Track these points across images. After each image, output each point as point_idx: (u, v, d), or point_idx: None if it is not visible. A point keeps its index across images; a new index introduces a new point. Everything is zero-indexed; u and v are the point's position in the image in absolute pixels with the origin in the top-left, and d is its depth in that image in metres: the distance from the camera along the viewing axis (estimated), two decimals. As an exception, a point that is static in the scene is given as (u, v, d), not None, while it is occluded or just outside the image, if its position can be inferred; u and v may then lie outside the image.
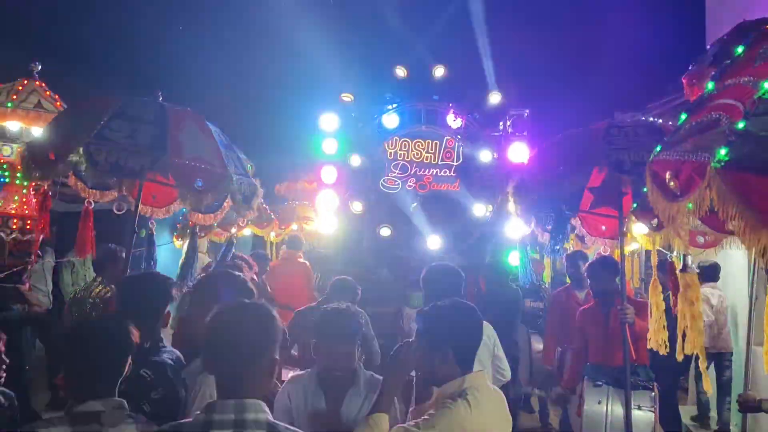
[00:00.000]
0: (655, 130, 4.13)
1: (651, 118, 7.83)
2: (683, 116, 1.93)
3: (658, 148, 1.89)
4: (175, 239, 7.78)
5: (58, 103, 6.09)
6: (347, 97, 9.08)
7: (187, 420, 2.03)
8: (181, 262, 7.93)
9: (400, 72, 9.07)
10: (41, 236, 4.90)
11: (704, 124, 1.78)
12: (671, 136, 2.03)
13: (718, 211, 1.66)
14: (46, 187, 4.48)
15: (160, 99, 4.55)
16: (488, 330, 4.54)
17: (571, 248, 7.52)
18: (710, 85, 1.92)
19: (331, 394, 3.00)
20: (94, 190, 4.63)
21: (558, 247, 5.91)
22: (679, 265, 3.37)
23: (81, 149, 3.80)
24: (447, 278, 4.15)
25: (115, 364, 2.36)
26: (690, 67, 3.90)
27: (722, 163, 1.60)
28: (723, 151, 1.62)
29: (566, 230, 6.12)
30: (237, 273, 3.75)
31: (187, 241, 7.89)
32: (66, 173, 4.06)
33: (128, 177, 3.95)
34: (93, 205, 4.63)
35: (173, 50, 10.72)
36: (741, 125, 1.65)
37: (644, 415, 4.42)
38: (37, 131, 5.78)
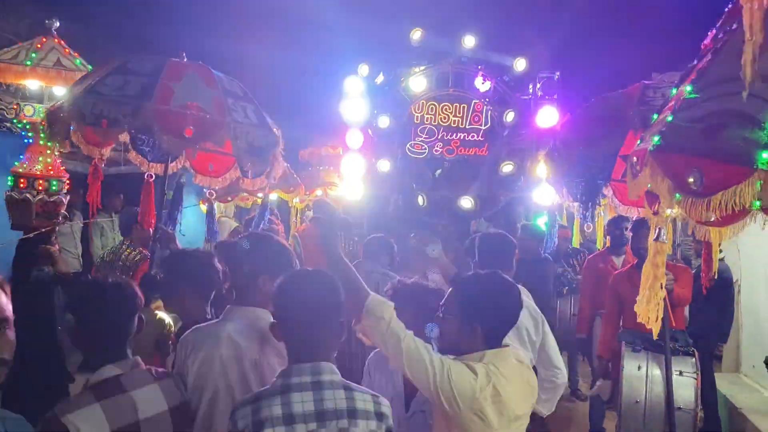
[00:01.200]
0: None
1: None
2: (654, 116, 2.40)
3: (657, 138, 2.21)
4: (201, 203, 7.75)
5: (79, 61, 6.00)
6: (364, 69, 8.91)
7: (265, 388, 2.07)
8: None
9: (415, 36, 8.81)
10: (68, 198, 4.88)
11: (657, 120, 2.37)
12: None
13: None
14: (96, 160, 4.46)
15: (185, 59, 4.42)
16: (525, 294, 4.40)
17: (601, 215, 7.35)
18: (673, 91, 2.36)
19: None
20: (154, 163, 4.68)
21: (588, 214, 5.84)
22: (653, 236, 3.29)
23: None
24: (503, 248, 4.03)
25: (121, 323, 2.28)
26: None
27: (654, 147, 2.11)
28: (656, 138, 2.12)
29: (597, 198, 6.04)
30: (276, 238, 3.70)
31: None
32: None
33: (113, 127, 3.83)
34: (154, 177, 4.63)
35: (195, 14, 10.56)
36: (669, 119, 2.14)
37: (686, 380, 4.29)
38: (59, 90, 5.72)
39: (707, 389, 6.21)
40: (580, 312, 6.26)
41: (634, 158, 2.24)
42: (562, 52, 9.97)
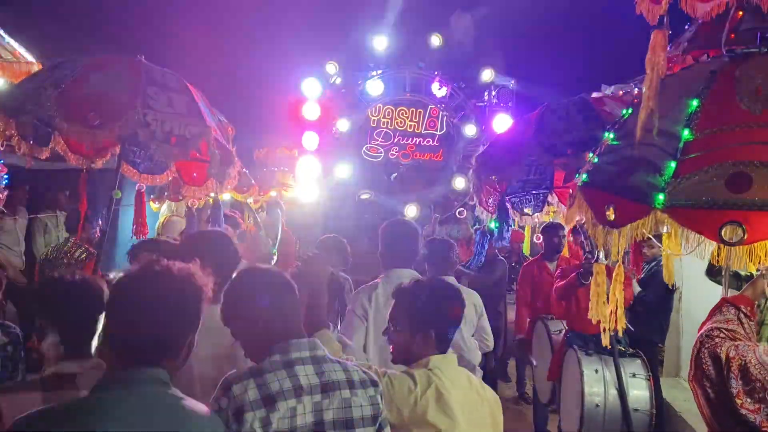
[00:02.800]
0: (588, 108, 4.22)
1: (619, 93, 7.80)
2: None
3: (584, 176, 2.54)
4: (151, 202, 7.60)
5: (17, 52, 5.78)
6: (332, 67, 8.91)
7: (259, 365, 2.05)
8: (159, 223, 7.80)
9: (379, 44, 8.88)
10: (5, 193, 4.76)
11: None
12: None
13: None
14: (85, 170, 4.37)
15: (142, 59, 4.39)
16: (476, 299, 4.52)
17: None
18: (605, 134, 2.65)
19: None
20: (145, 175, 4.60)
21: (505, 234, 6.21)
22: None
23: (138, 118, 3.72)
24: (448, 253, 4.20)
25: (85, 322, 2.25)
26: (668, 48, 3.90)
27: (582, 183, 2.45)
28: (583, 176, 2.47)
29: (508, 217, 6.39)
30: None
31: (164, 204, 7.76)
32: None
33: (184, 147, 3.86)
34: (144, 188, 4.55)
35: (151, 10, 10.37)
36: (595, 160, 2.49)
37: (640, 382, 4.41)
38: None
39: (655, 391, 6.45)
40: (518, 317, 6.37)
41: (570, 190, 2.60)
42: (518, 61, 10.17)
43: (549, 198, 4.91)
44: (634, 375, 4.42)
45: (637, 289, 6.01)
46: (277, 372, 1.95)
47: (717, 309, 2.21)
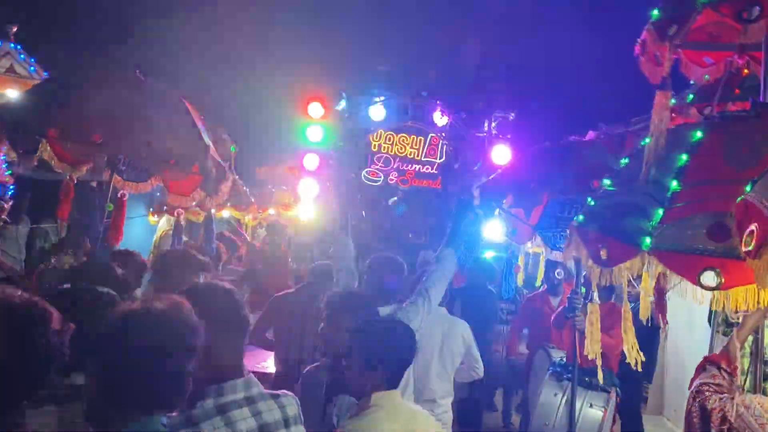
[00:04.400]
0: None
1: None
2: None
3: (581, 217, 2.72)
4: (150, 215, 7.69)
5: (33, 69, 5.95)
6: (342, 103, 9.10)
7: (191, 410, 1.88)
8: (156, 237, 7.88)
9: (381, 71, 9.10)
10: (10, 203, 4.84)
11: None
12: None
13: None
14: (68, 179, 4.41)
15: (139, 74, 4.50)
16: (464, 330, 4.64)
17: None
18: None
19: None
20: (130, 182, 4.67)
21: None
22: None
23: (142, 137, 3.83)
24: None
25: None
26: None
27: (577, 224, 2.62)
28: (580, 217, 2.64)
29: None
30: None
31: (163, 218, 7.84)
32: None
33: (180, 165, 3.96)
34: (127, 196, 4.62)
35: (155, 26, 10.53)
36: (592, 203, 2.66)
37: (594, 412, 4.62)
38: (12, 93, 5.65)
39: (633, 426, 6.52)
40: (511, 338, 6.53)
41: (568, 231, 2.74)
42: (518, 94, 10.37)
43: None
44: (591, 405, 4.61)
45: None
46: (213, 419, 1.83)
47: (701, 367, 2.34)
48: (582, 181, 4.31)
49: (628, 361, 2.78)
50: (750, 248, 1.51)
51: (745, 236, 1.51)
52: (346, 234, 3.94)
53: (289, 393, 2.15)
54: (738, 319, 2.56)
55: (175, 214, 5.31)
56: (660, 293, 2.40)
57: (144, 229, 8.02)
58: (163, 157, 3.93)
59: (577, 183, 4.38)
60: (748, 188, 1.66)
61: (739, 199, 1.70)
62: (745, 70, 3.16)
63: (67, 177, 4.42)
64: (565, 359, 5.24)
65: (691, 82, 4.21)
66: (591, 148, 4.55)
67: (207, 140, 4.29)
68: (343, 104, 9.21)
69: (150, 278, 3.19)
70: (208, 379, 1.87)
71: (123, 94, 3.99)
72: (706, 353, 5.25)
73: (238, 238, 6.42)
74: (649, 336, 6.71)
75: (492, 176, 5.20)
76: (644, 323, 5.57)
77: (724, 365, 2.28)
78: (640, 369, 2.74)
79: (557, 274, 6.29)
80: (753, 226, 1.49)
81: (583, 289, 4.79)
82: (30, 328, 1.55)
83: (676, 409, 7.32)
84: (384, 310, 3.28)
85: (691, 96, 4.27)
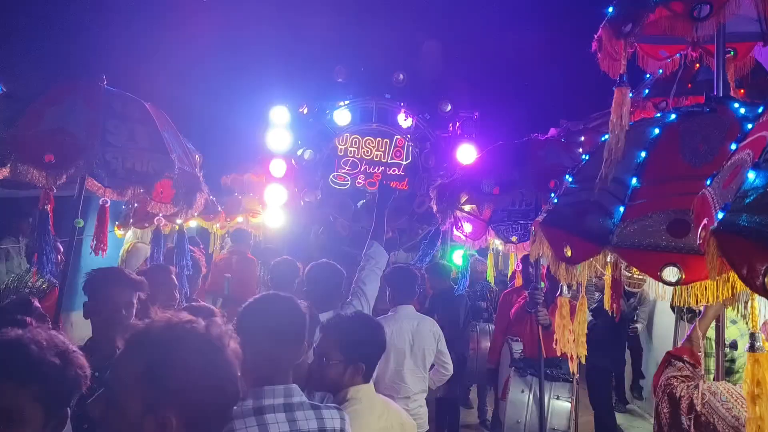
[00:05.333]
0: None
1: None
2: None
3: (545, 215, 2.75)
4: (116, 229, 7.53)
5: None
6: (304, 109, 9.03)
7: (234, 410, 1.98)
8: (123, 251, 7.71)
9: (339, 76, 9.08)
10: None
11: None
12: None
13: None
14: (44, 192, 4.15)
15: (105, 84, 4.33)
16: (433, 326, 4.69)
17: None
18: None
19: None
20: (110, 189, 4.41)
21: (427, 258, 6.86)
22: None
23: (97, 157, 3.63)
24: (408, 280, 4.63)
25: None
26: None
27: (541, 222, 2.65)
28: (544, 215, 2.68)
29: (436, 243, 6.95)
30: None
31: (129, 231, 7.67)
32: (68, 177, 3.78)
33: (143, 183, 3.77)
34: (109, 203, 4.38)
35: (115, 34, 10.35)
36: (555, 201, 2.70)
37: (562, 404, 4.75)
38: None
39: (604, 418, 6.66)
40: (493, 343, 6.48)
41: (533, 228, 2.72)
42: (482, 93, 10.47)
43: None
44: (558, 397, 4.77)
45: (588, 317, 6.26)
46: (246, 419, 1.91)
47: (666, 362, 2.39)
48: (536, 180, 4.40)
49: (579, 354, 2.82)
50: (701, 241, 1.55)
51: (699, 230, 1.55)
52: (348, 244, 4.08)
53: (338, 407, 2.20)
54: (700, 306, 2.63)
55: (155, 222, 5.15)
56: (616, 284, 2.43)
57: (113, 243, 7.83)
58: (122, 176, 3.76)
59: (530, 181, 4.47)
60: (708, 182, 1.70)
61: (699, 193, 1.74)
62: (697, 64, 3.25)
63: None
64: (522, 352, 5.30)
65: (647, 76, 4.31)
66: (545, 148, 4.65)
67: (176, 150, 4.13)
68: (305, 109, 9.16)
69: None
70: (257, 382, 2.00)
71: (78, 108, 3.81)
72: (672, 340, 5.40)
73: (199, 252, 6.24)
74: (617, 330, 6.86)
75: (448, 179, 5.27)
76: (612, 316, 5.72)
77: (686, 358, 2.34)
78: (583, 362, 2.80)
79: (516, 267, 6.38)
80: (705, 220, 1.52)
81: (543, 284, 4.88)
82: None
83: (646, 397, 7.49)
84: (323, 316, 3.30)
85: (646, 91, 4.38)
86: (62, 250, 4.82)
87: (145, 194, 3.97)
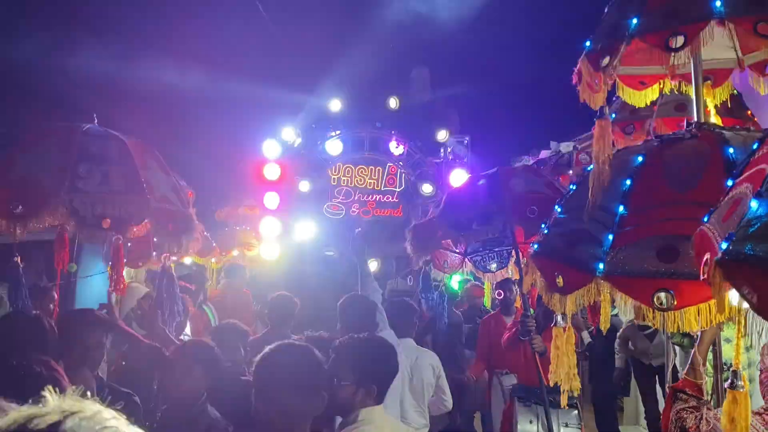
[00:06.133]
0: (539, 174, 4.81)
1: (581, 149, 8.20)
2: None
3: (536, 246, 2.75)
4: (110, 269, 7.48)
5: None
6: (289, 133, 9.10)
7: None
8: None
9: (335, 106, 9.18)
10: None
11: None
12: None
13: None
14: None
15: (95, 122, 4.28)
16: (434, 360, 4.65)
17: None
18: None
19: None
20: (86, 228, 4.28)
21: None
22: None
23: (64, 206, 3.47)
24: (407, 313, 4.58)
25: None
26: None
27: (533, 252, 2.64)
28: (536, 246, 2.65)
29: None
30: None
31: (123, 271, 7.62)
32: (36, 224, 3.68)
33: (116, 228, 3.67)
34: (122, 239, 4.28)
35: (104, 67, 10.37)
36: (545, 231, 2.64)
37: (572, 431, 4.63)
38: None
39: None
40: (475, 366, 6.47)
41: (524, 259, 2.74)
42: (471, 118, 10.56)
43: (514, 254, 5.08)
44: (566, 425, 4.66)
45: (587, 339, 6.23)
46: None
47: (672, 397, 2.38)
48: (514, 208, 4.39)
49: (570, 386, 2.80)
50: (705, 276, 1.56)
51: (702, 266, 1.55)
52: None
53: None
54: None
55: (162, 259, 4.96)
56: (594, 307, 2.43)
57: (106, 284, 7.76)
58: (92, 223, 3.63)
59: (507, 211, 4.45)
60: (705, 218, 1.70)
61: (698, 230, 1.74)
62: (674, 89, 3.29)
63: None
64: (518, 384, 5.24)
65: (614, 98, 4.33)
66: (518, 176, 4.65)
67: (160, 188, 4.02)
68: (298, 141, 9.23)
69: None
70: None
71: (50, 154, 3.62)
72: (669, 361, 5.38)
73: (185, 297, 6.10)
74: (612, 347, 6.82)
75: (423, 219, 5.30)
76: (606, 334, 5.70)
77: (689, 391, 2.33)
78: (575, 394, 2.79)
79: (497, 294, 6.35)
80: (707, 255, 1.53)
81: (532, 311, 4.85)
82: None
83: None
84: None
85: (613, 115, 4.40)
86: (56, 297, 4.76)
87: (122, 239, 3.89)
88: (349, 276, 8.70)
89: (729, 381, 1.77)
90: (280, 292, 5.33)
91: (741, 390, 1.74)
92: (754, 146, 1.78)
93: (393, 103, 9.43)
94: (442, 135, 9.31)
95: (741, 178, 1.62)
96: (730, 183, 1.70)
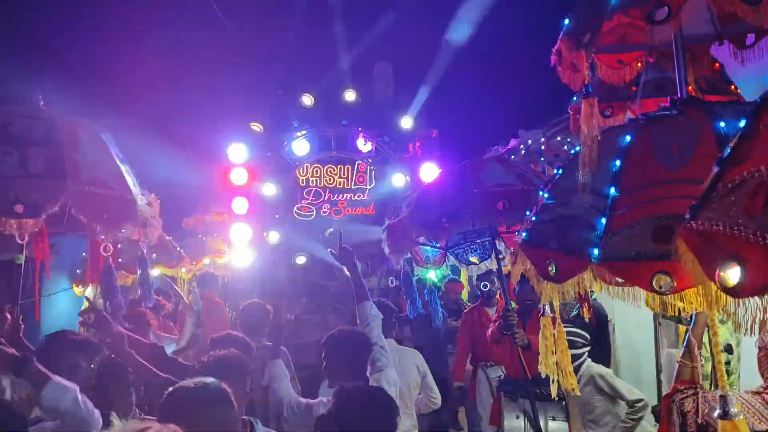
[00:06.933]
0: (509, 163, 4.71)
1: (551, 136, 8.22)
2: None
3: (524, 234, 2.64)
4: (75, 286, 7.19)
5: None
6: (257, 127, 8.90)
7: None
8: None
9: (307, 100, 9.01)
10: None
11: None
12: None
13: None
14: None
15: (41, 104, 3.97)
16: (418, 359, 4.54)
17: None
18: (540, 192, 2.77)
19: None
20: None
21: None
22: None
23: None
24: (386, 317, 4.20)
25: None
26: (575, 99, 4.12)
27: (522, 241, 2.55)
28: (524, 234, 2.56)
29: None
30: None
31: (88, 288, 7.34)
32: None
33: (30, 216, 3.36)
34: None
35: (64, 63, 9.97)
36: (533, 218, 2.55)
37: (558, 424, 4.52)
38: None
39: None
40: (456, 362, 6.36)
41: (512, 248, 2.70)
42: (438, 111, 10.50)
43: (497, 245, 4.99)
44: (554, 418, 4.55)
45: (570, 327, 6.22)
46: None
47: (674, 391, 2.34)
48: (482, 204, 4.30)
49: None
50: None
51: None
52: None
53: None
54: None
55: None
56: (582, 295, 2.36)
57: (73, 302, 7.48)
58: (4, 208, 3.33)
59: (477, 207, 4.37)
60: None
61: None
62: (639, 63, 3.24)
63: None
64: (503, 375, 5.18)
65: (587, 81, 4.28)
66: (486, 169, 4.57)
67: (94, 171, 3.70)
68: (263, 143, 9.05)
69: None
70: None
71: None
72: (653, 342, 5.35)
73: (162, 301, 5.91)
74: (596, 333, 6.81)
75: (395, 219, 5.14)
76: (589, 322, 5.68)
77: (684, 388, 2.30)
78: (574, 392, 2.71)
79: (482, 286, 6.29)
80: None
81: (514, 304, 4.78)
82: None
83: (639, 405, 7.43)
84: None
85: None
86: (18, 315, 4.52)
87: (34, 224, 3.58)
88: (321, 278, 8.60)
89: (721, 411, 1.73)
90: (251, 300, 5.11)
91: (739, 417, 1.70)
92: (741, 123, 1.71)
93: (350, 95, 9.29)
94: (406, 122, 9.23)
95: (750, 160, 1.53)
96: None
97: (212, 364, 2.82)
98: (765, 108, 1.45)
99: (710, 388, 2.39)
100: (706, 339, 2.54)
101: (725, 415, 1.77)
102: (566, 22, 2.37)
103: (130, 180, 3.74)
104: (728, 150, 1.60)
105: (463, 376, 6.23)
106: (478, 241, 5.05)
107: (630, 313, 7.23)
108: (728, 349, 3.61)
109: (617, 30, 2.46)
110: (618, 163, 2.15)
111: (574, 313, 6.36)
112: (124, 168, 3.73)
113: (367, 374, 3.30)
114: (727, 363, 3.73)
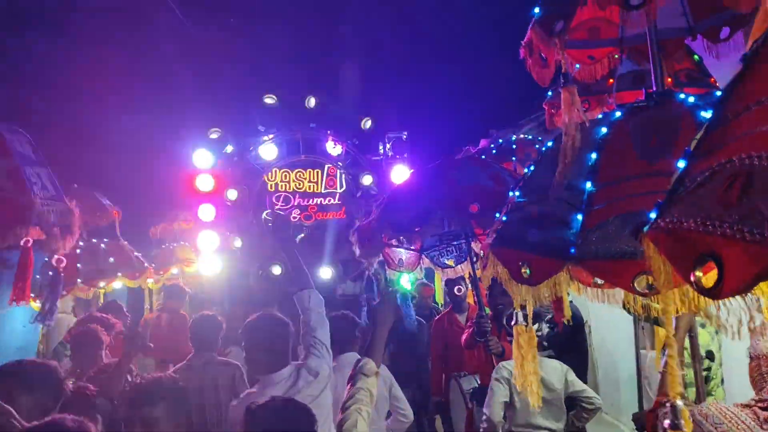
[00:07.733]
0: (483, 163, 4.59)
1: (522, 135, 8.18)
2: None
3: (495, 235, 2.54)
4: (32, 302, 6.86)
5: None
6: (215, 134, 8.66)
7: None
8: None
9: (270, 100, 8.80)
10: None
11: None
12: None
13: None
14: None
15: None
16: (382, 370, 4.34)
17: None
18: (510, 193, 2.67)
19: None
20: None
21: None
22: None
23: None
24: (349, 328, 4.08)
25: None
26: (550, 94, 4.03)
27: (492, 243, 2.42)
28: (494, 235, 2.44)
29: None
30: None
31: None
32: None
33: None
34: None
35: (18, 68, 9.62)
36: (504, 218, 2.45)
37: None
38: None
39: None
40: (433, 375, 6.12)
41: (482, 252, 2.61)
42: (408, 113, 10.40)
43: (474, 247, 4.84)
44: None
45: (546, 329, 6.10)
46: None
47: (658, 405, 2.23)
48: (454, 205, 4.16)
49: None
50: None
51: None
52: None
53: None
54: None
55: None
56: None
57: (29, 317, 7.13)
58: None
59: (449, 208, 4.24)
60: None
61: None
62: (615, 55, 3.17)
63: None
64: (478, 386, 5.04)
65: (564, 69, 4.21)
66: (459, 168, 4.44)
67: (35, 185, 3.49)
68: (230, 147, 8.81)
69: None
70: None
71: None
72: (632, 343, 5.29)
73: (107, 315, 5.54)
74: (571, 335, 6.73)
75: (364, 221, 4.97)
76: (571, 324, 5.58)
77: (665, 400, 2.19)
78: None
79: (457, 290, 6.12)
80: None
81: (487, 310, 4.64)
82: None
83: (612, 402, 7.38)
84: (283, 374, 3.03)
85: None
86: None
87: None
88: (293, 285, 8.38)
89: (669, 421, 1.61)
90: (201, 312, 4.68)
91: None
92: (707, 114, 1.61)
93: (311, 102, 9.12)
94: (365, 123, 9.09)
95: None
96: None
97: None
98: (731, 97, 1.33)
99: (696, 396, 2.30)
100: (687, 344, 2.45)
101: (673, 426, 1.66)
102: (536, 10, 2.26)
103: (38, 183, 3.44)
104: (695, 143, 1.48)
105: (441, 389, 6.03)
106: (455, 243, 4.92)
107: (606, 314, 7.19)
108: (709, 355, 3.51)
109: (587, 24, 2.36)
110: (594, 155, 2.04)
111: (549, 316, 6.27)
112: (33, 170, 3.45)
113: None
114: (707, 369, 3.64)
